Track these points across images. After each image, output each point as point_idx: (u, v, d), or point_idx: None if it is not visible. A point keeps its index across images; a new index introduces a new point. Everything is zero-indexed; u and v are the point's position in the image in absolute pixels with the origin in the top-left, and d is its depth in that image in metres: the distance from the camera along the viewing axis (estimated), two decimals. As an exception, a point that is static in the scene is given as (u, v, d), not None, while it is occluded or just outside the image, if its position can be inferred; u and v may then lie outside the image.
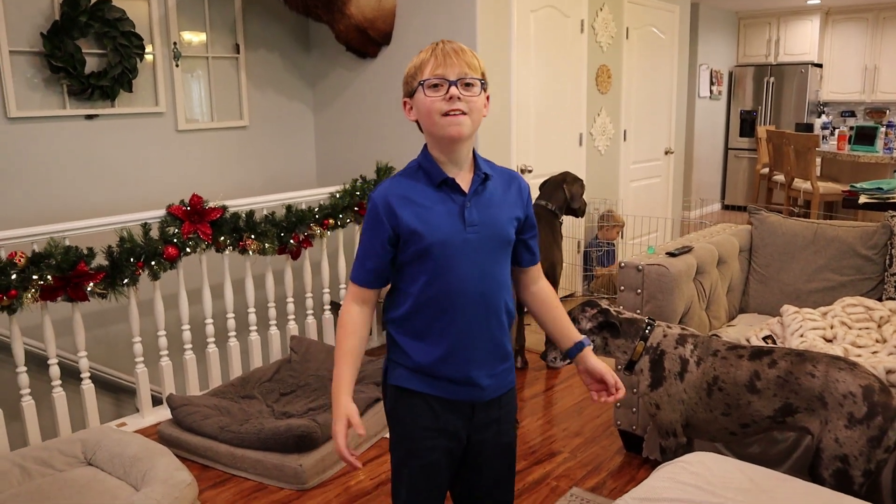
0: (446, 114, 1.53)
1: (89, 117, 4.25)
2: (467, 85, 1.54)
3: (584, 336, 1.82)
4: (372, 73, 4.95)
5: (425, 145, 1.64)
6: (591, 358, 1.79)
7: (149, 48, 4.42)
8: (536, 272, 1.80)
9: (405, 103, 1.63)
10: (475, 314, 1.61)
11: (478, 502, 1.83)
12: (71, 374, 3.55)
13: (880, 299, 3.06)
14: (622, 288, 2.91)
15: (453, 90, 1.52)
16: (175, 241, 3.36)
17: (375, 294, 1.67)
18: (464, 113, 1.54)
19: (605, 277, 5.29)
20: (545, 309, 1.82)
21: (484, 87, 1.58)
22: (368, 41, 4.78)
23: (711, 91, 8.91)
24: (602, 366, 1.78)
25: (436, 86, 1.53)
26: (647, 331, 2.37)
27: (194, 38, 4.73)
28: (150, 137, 4.55)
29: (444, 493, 1.77)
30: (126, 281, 3.20)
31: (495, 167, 1.69)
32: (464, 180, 1.61)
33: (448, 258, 1.57)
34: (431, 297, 1.59)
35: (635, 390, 2.92)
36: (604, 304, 2.40)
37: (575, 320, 2.35)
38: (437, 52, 1.55)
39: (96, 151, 4.31)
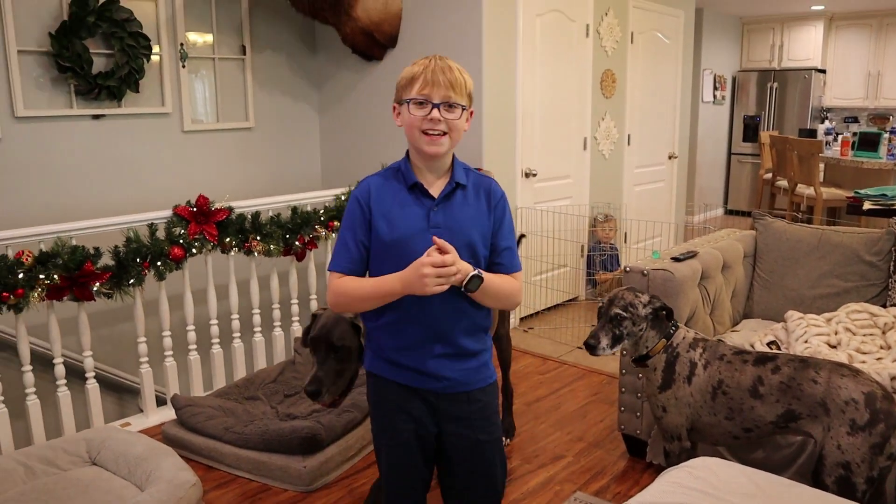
0: (425, 132, 1.67)
1: (96, 117, 4.27)
2: (450, 107, 1.67)
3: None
4: (377, 75, 4.96)
5: (408, 150, 1.77)
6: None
7: (156, 48, 4.44)
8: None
9: (394, 108, 1.75)
10: (433, 311, 1.72)
11: (460, 497, 1.90)
12: (75, 374, 3.56)
13: (885, 305, 3.07)
14: (627, 292, 2.92)
15: (435, 113, 1.66)
16: (181, 241, 3.37)
17: None
18: (444, 133, 1.68)
19: (610, 282, 5.29)
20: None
21: (465, 108, 1.70)
22: (374, 44, 4.79)
23: (715, 96, 8.92)
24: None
25: (420, 104, 1.66)
26: (671, 330, 2.38)
27: (200, 38, 4.74)
28: (156, 138, 4.56)
29: (423, 479, 1.87)
30: (132, 281, 3.21)
31: (473, 175, 1.81)
32: (436, 186, 1.75)
33: (410, 255, 1.66)
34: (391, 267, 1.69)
35: (640, 394, 2.93)
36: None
37: (631, 305, 2.33)
38: (427, 71, 1.66)
39: (103, 151, 4.32)
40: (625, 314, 2.32)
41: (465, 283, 1.67)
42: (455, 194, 1.75)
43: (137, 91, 4.34)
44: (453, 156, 1.78)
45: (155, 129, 4.55)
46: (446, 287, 1.63)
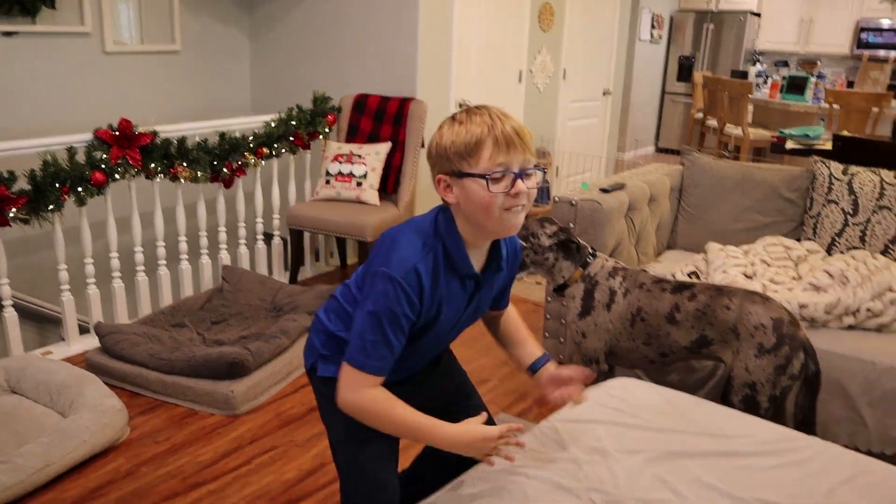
0: (508, 208, 1.37)
1: (7, 34, 4.02)
2: (527, 175, 1.38)
3: (545, 351, 1.76)
4: (313, 1, 4.79)
5: (450, 216, 1.44)
6: (552, 365, 1.71)
7: (72, -38, 4.18)
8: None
9: (440, 180, 1.41)
10: (446, 340, 1.63)
11: (453, 411, 1.73)
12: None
13: (799, 240, 3.20)
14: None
15: (520, 185, 1.36)
16: (103, 166, 3.25)
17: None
18: (523, 206, 1.39)
19: (540, 215, 5.35)
20: (511, 328, 1.80)
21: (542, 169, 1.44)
22: (307, -34, 4.62)
23: (652, 35, 8.96)
24: (568, 366, 1.67)
25: (499, 179, 1.35)
26: (588, 259, 2.44)
27: (121, -47, 4.48)
28: (76, 59, 4.33)
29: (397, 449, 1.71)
30: (51, 207, 3.09)
31: (508, 242, 1.58)
32: (478, 260, 1.50)
33: (431, 334, 1.51)
34: (404, 353, 1.48)
35: (563, 320, 3.01)
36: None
37: (533, 235, 2.39)
38: (497, 134, 1.34)
39: (16, 71, 4.09)
40: (524, 243, 2.39)
41: None
42: (495, 272, 1.55)
43: (54, 7, 4.09)
44: None
45: (73, 49, 4.31)
46: None
